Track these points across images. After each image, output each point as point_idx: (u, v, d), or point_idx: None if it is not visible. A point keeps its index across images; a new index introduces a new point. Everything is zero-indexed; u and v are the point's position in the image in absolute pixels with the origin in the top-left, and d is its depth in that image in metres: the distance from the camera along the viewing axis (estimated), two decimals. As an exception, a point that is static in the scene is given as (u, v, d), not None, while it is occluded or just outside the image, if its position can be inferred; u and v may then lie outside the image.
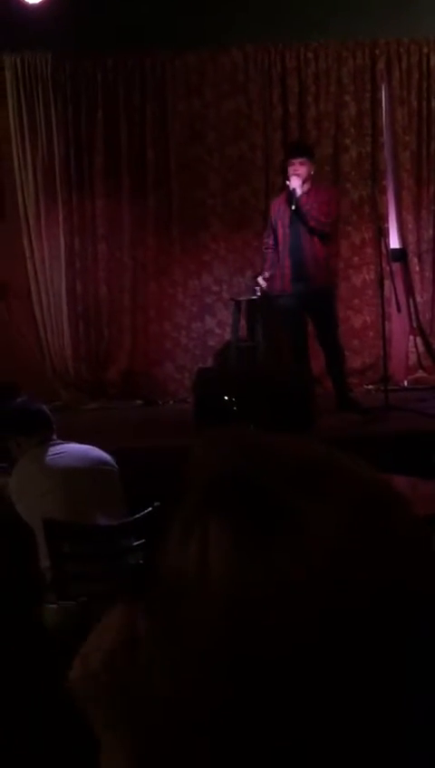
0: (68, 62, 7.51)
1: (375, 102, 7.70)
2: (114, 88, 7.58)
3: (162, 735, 0.56)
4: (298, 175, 6.39)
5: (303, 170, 6.40)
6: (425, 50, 7.68)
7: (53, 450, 3.68)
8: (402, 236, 7.76)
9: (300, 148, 6.75)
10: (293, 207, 6.33)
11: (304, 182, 6.39)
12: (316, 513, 0.54)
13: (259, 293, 6.66)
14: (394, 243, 7.72)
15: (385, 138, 7.72)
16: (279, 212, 6.54)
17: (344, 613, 0.52)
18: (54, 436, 3.78)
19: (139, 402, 7.52)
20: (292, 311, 6.49)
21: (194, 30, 7.28)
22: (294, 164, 6.45)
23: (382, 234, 6.92)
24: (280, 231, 6.52)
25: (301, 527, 0.54)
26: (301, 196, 6.35)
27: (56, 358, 7.67)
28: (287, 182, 6.47)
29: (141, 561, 3.51)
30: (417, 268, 7.76)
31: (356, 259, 7.73)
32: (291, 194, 6.38)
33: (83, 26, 7.12)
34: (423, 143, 7.74)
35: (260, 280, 6.65)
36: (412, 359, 7.74)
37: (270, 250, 6.64)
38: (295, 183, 6.37)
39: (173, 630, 0.56)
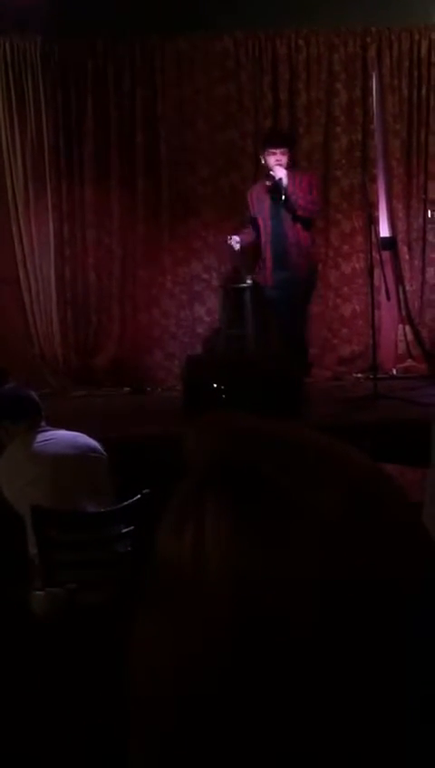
0: (57, 46, 7.46)
1: (366, 90, 7.68)
2: (104, 73, 7.54)
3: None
4: (282, 165, 6.30)
5: (285, 159, 6.32)
6: (416, 37, 7.65)
7: (41, 437, 3.68)
8: (392, 225, 7.76)
9: (282, 139, 6.64)
10: (283, 198, 6.27)
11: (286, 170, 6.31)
12: (313, 500, 0.54)
13: (238, 248, 6.57)
14: (384, 231, 7.71)
15: (376, 126, 7.70)
16: (258, 202, 6.48)
17: (343, 600, 0.52)
18: (43, 423, 3.78)
19: (127, 389, 7.51)
20: (277, 301, 6.47)
21: (185, 15, 7.24)
22: (276, 153, 6.32)
23: (373, 222, 6.91)
24: (260, 222, 6.47)
25: (297, 513, 0.54)
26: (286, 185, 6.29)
27: (45, 344, 7.65)
28: (271, 172, 6.34)
29: (130, 549, 3.51)
30: (407, 257, 7.76)
31: (346, 247, 7.73)
32: (277, 183, 6.29)
33: (73, 11, 7.08)
34: (414, 132, 7.72)
35: (233, 243, 6.52)
36: (401, 347, 7.75)
37: (248, 228, 6.59)
38: (281, 173, 6.27)
39: (169, 623, 0.56)
